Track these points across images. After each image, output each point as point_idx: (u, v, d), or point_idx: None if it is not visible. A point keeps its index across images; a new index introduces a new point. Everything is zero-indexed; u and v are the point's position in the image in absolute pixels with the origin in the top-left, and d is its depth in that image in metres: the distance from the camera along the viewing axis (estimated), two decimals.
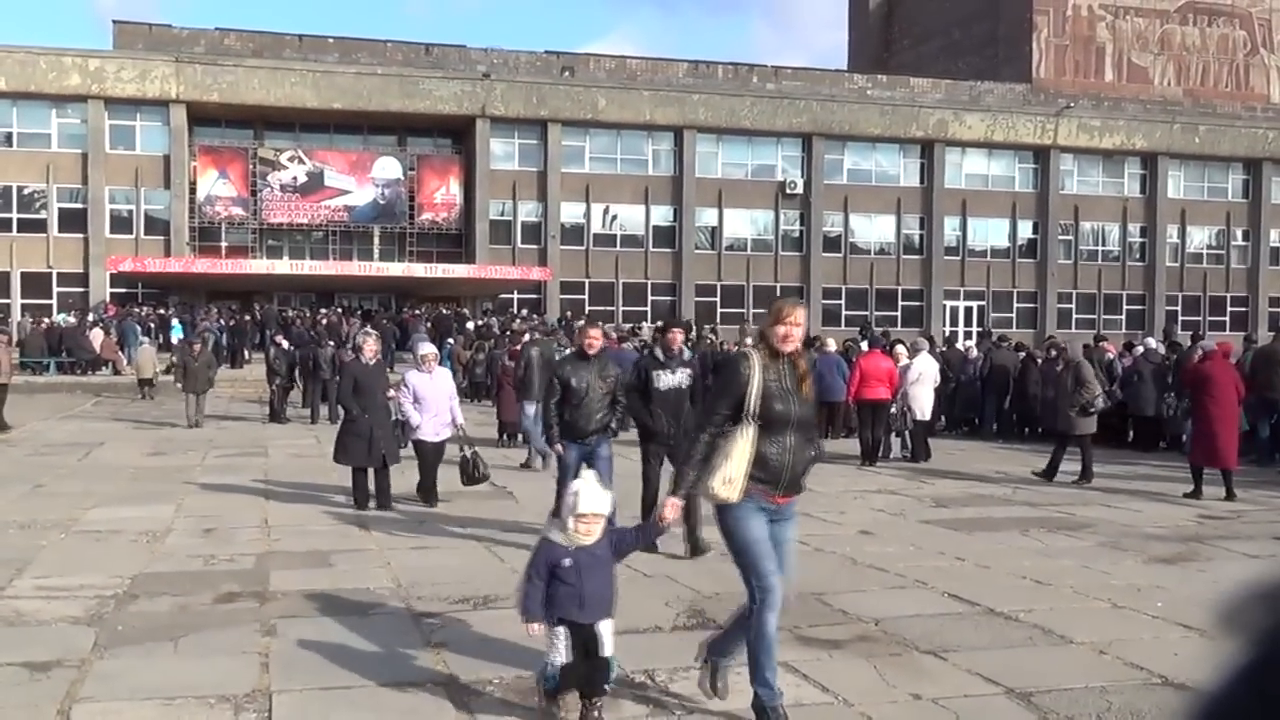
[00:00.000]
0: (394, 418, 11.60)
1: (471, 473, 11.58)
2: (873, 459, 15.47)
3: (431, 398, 11.13)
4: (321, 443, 17.58)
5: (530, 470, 14.45)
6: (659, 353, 9.08)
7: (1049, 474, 13.65)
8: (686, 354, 9.18)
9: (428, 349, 11.72)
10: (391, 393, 11.35)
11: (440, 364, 12.70)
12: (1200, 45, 55.25)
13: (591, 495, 4.70)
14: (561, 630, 4.68)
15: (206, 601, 7.18)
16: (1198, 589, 7.58)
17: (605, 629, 4.76)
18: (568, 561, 4.67)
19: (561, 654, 4.68)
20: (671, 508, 4.83)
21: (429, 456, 11.30)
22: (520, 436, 17.31)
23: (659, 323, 35.81)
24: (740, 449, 4.68)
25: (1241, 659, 0.90)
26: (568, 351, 18.52)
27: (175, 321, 35.68)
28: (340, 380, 12.30)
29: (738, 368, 4.83)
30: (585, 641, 4.70)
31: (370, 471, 10.99)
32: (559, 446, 8.75)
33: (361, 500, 10.95)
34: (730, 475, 4.66)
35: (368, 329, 12.33)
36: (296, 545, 9.13)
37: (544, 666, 4.79)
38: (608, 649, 4.74)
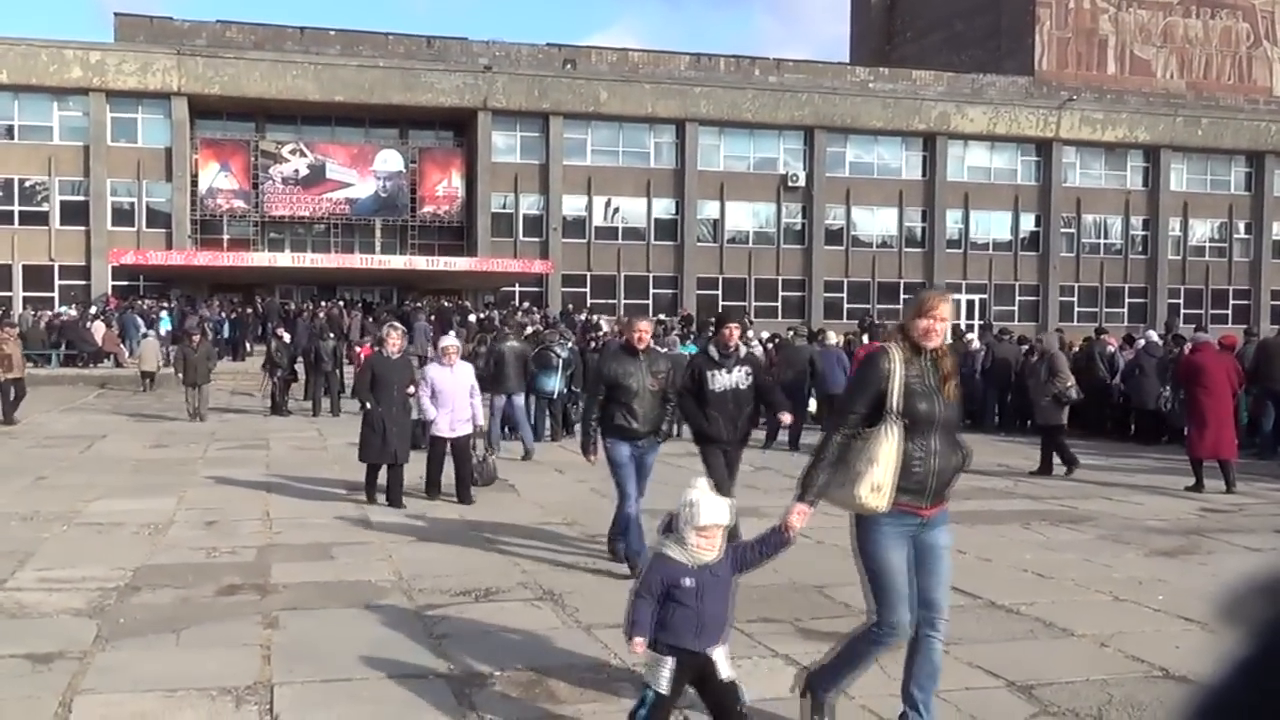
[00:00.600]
0: (415, 415, 11.44)
1: (479, 471, 11.56)
2: None
3: (450, 391, 10.91)
4: (323, 435, 17.61)
5: (529, 461, 14.45)
6: (713, 351, 8.19)
7: (1045, 470, 13.67)
8: (743, 350, 8.34)
9: (449, 341, 11.45)
10: (411, 389, 11.12)
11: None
12: (1203, 38, 55.14)
13: (712, 505, 4.18)
14: (670, 660, 4.18)
15: (208, 594, 7.19)
16: (1199, 582, 7.59)
17: (721, 654, 4.31)
18: (688, 581, 4.17)
19: (663, 684, 4.18)
20: (799, 515, 4.36)
21: (440, 452, 11.08)
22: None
23: (656, 317, 35.83)
24: (887, 452, 4.25)
25: (1241, 652, 0.90)
26: (568, 345, 18.55)
27: (163, 314, 35.55)
28: (359, 372, 12.09)
29: (877, 363, 4.42)
30: (697, 670, 4.23)
31: (384, 466, 10.88)
32: (593, 457, 7.98)
33: (370, 494, 10.87)
34: (878, 481, 4.23)
35: (394, 322, 12.14)
36: (298, 538, 9.13)
37: (642, 696, 4.28)
38: (726, 670, 4.30)
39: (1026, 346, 20.38)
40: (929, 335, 4.39)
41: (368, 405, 10.80)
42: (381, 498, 10.83)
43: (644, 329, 8.17)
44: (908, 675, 4.52)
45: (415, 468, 11.33)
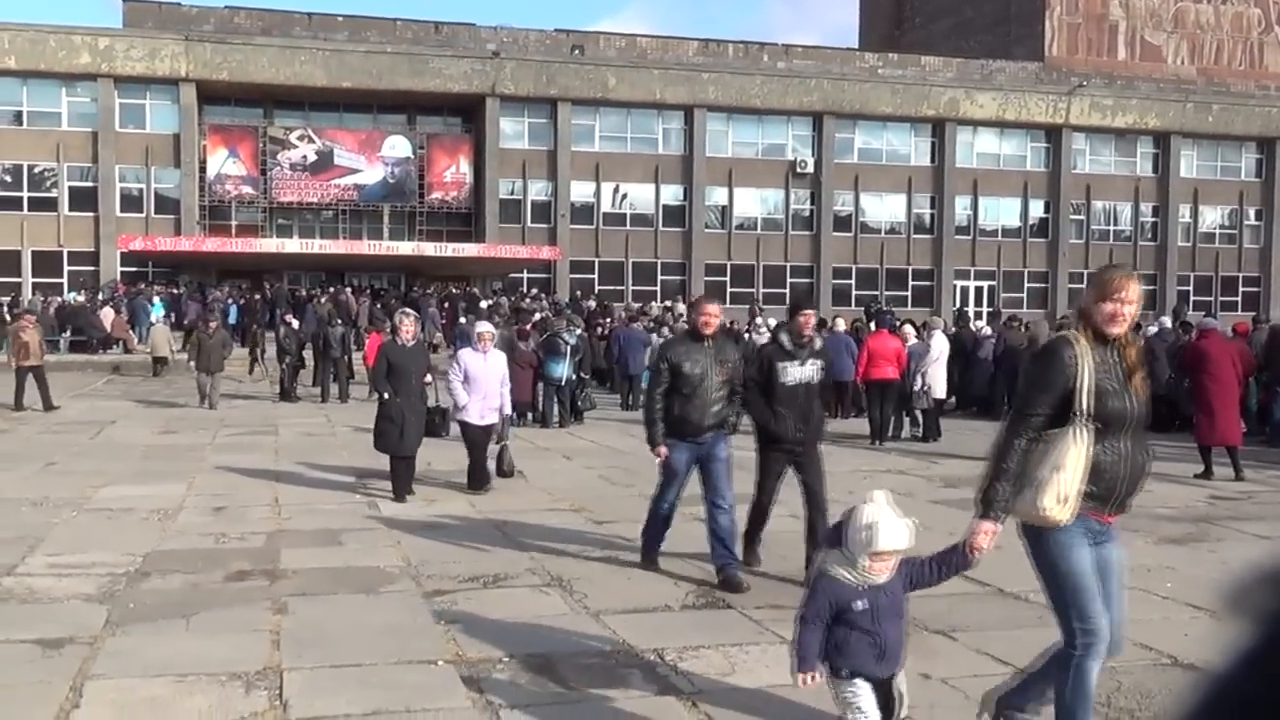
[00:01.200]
0: (434, 403, 11.28)
1: (499, 465, 11.53)
2: (882, 438, 15.52)
3: (483, 379, 10.67)
4: (332, 422, 17.65)
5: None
6: (786, 340, 7.40)
7: None
8: (818, 342, 7.63)
9: (485, 327, 11.24)
10: (429, 378, 10.94)
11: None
12: (1214, 23, 54.83)
13: (892, 529, 3.82)
14: (861, 683, 3.89)
15: (218, 579, 7.21)
16: (1207, 570, 7.58)
17: (903, 683, 4.03)
18: (861, 605, 3.86)
19: (867, 711, 3.88)
20: (987, 535, 3.96)
21: (478, 440, 10.78)
22: (531, 415, 17.37)
23: (682, 301, 35.76)
24: (1074, 458, 3.80)
25: (1247, 641, 0.90)
26: (571, 330, 18.54)
27: (156, 300, 35.48)
28: (374, 361, 11.91)
29: (1059, 355, 3.87)
30: (881, 697, 3.95)
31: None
32: (662, 449, 7.20)
33: (396, 489, 10.40)
34: (1065, 492, 3.80)
35: (406, 309, 11.96)
36: (307, 524, 9.16)
37: None
38: (906, 708, 4.03)
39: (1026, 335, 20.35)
40: (1115, 321, 3.87)
41: (385, 396, 10.49)
42: (386, 484, 10.62)
43: (712, 313, 7.35)
44: (1067, 713, 3.99)
45: (422, 454, 11.34)
